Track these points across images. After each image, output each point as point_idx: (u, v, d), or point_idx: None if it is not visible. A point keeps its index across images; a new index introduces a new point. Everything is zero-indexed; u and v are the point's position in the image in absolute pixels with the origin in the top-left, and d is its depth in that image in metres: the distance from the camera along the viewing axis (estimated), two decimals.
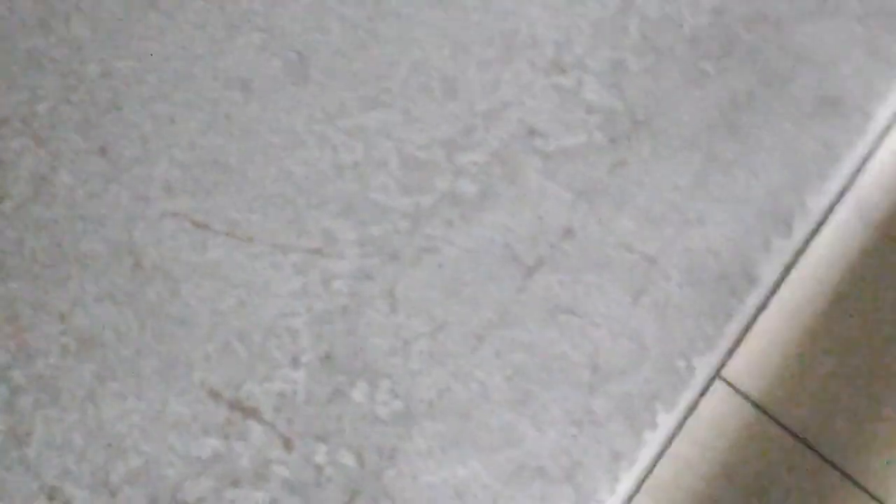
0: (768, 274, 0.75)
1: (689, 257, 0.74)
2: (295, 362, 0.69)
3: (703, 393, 0.73)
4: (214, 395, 0.68)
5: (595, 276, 0.74)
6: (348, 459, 0.67)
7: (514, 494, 0.68)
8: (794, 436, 0.71)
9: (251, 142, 0.72)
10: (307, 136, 0.73)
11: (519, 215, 0.73)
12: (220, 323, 0.69)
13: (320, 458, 0.67)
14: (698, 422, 0.73)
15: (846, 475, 0.70)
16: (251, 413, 0.68)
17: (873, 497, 0.69)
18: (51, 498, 0.64)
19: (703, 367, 0.73)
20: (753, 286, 0.75)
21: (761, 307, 0.75)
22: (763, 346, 0.75)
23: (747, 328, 0.75)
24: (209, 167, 0.72)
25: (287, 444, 0.67)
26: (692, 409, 0.72)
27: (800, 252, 0.76)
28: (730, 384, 0.74)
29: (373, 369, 0.70)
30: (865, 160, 0.78)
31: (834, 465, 0.70)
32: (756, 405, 0.72)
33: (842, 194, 0.77)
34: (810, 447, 0.71)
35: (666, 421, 0.71)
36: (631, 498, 0.69)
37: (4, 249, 0.68)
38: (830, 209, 0.76)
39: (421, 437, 0.69)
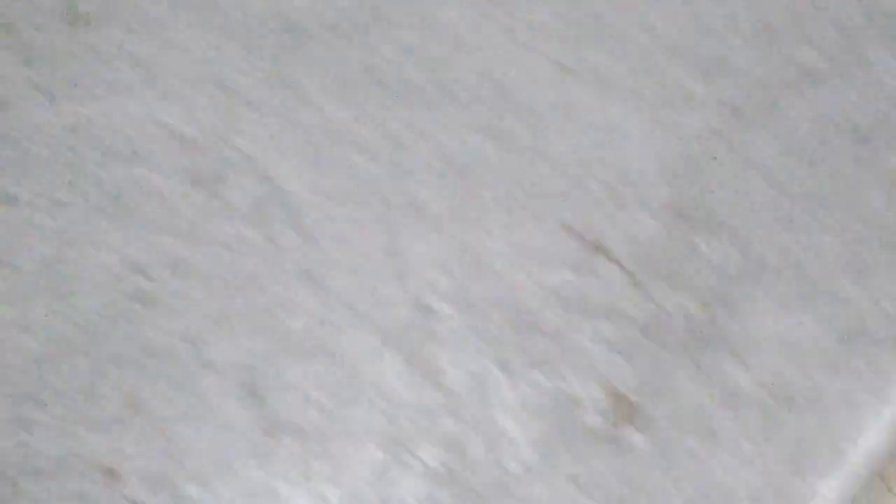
0: None
1: None
2: (644, 207, 0.71)
3: None
4: (569, 230, 0.70)
5: None
6: (694, 307, 0.69)
7: (846, 356, 0.70)
8: None
9: None
10: None
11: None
12: (576, 162, 0.71)
13: (667, 301, 0.69)
14: None
15: None
16: (602, 251, 0.70)
17: None
18: (418, 308, 0.67)
19: None
20: None
21: None
22: None
23: None
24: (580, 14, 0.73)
25: (636, 285, 0.69)
26: None
27: None
28: None
29: (719, 223, 0.71)
30: None
31: None
32: None
33: None
34: None
35: None
36: None
37: (383, 79, 0.71)
38: None
39: (762, 294, 0.70)
